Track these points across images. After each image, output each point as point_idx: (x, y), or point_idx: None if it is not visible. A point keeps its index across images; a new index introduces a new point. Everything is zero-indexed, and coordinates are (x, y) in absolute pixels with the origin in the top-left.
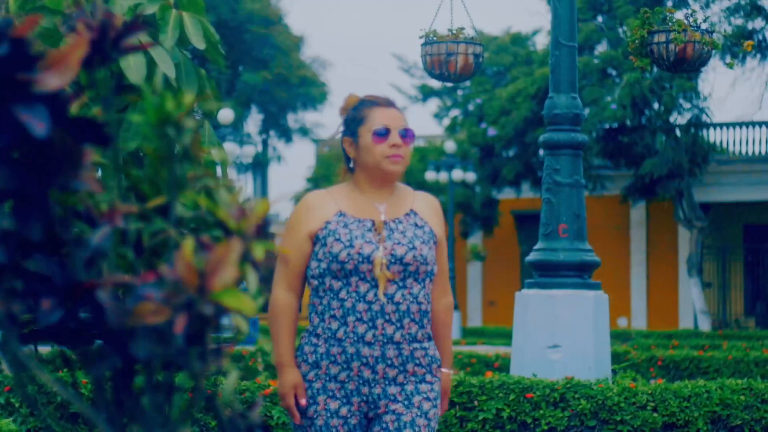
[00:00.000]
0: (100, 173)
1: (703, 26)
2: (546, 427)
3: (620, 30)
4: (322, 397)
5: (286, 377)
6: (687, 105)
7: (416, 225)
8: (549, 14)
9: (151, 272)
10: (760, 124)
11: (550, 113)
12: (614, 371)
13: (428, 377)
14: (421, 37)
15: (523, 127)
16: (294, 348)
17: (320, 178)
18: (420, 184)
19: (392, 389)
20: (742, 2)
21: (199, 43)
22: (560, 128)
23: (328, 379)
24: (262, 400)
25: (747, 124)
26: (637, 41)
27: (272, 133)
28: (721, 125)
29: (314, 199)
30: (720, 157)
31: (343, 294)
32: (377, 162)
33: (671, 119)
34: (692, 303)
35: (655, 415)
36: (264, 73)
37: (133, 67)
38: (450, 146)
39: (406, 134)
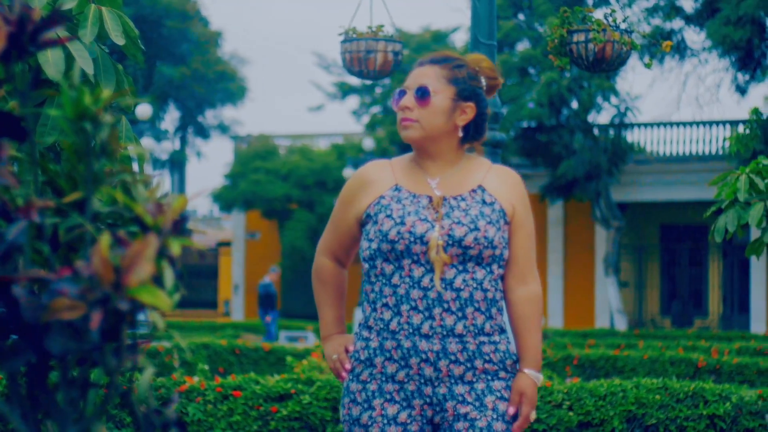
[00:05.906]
0: (16, 167)
1: (623, 26)
2: None
3: (540, 28)
4: (378, 400)
5: (327, 350)
6: (607, 105)
7: (483, 202)
8: (469, 11)
9: (66, 267)
10: (678, 124)
11: None
12: None
13: (502, 374)
14: (340, 35)
15: None
16: (340, 318)
17: (238, 175)
18: (338, 182)
19: (460, 389)
20: (662, 3)
21: (119, 39)
22: None
23: (384, 379)
24: (177, 396)
25: (664, 125)
26: (556, 40)
27: (190, 129)
28: (639, 125)
29: (372, 172)
30: (637, 157)
31: (395, 279)
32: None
33: (589, 119)
34: (609, 302)
35: (571, 413)
36: (182, 68)
37: (51, 61)
38: (369, 144)
39: (418, 93)
